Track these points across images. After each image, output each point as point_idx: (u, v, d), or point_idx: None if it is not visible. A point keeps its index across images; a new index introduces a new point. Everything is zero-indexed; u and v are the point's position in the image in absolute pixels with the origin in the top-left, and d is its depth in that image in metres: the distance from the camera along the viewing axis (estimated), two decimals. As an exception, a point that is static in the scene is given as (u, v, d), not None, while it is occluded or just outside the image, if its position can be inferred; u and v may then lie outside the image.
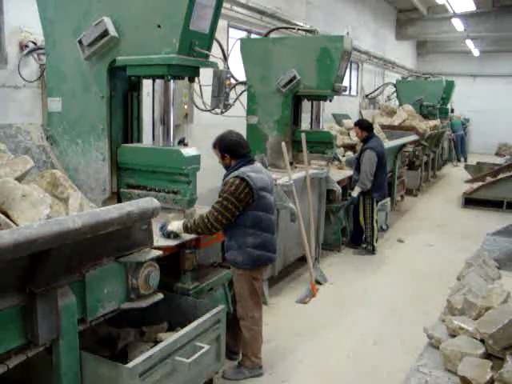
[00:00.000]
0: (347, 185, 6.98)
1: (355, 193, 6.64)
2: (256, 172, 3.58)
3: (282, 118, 6.59)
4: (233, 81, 6.79)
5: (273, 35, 7.12)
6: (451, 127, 17.14)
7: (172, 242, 3.44)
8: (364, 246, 6.97)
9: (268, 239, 3.68)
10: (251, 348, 3.81)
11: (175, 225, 3.46)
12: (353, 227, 7.21)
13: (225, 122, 6.21)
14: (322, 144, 6.69)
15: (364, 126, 6.95)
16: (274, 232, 3.80)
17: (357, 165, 6.74)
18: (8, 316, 2.26)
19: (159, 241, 3.32)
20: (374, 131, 9.11)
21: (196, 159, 3.69)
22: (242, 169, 3.54)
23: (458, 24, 15.34)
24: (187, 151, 3.68)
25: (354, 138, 8.78)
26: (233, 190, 3.42)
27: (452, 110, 17.06)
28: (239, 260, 3.61)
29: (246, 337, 3.77)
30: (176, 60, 3.47)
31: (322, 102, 6.78)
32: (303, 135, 5.99)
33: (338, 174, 6.97)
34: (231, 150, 3.62)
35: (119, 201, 3.95)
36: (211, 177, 4.83)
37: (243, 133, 6.77)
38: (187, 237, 3.53)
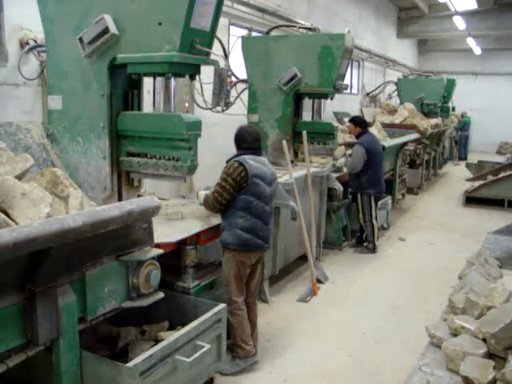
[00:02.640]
0: (347, 181, 6.95)
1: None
2: (256, 162, 3.79)
3: (283, 116, 6.57)
4: (234, 79, 6.79)
5: (274, 33, 7.11)
6: (462, 125, 17.23)
7: (173, 239, 3.44)
8: (365, 244, 6.96)
9: (258, 225, 3.81)
10: (239, 334, 3.83)
11: (202, 194, 3.93)
12: (358, 227, 7.18)
13: (226, 120, 6.19)
14: (323, 135, 6.67)
15: (357, 122, 6.97)
16: (268, 222, 3.93)
17: None
18: (8, 315, 2.25)
19: (159, 238, 3.30)
20: (375, 130, 9.11)
21: (197, 125, 3.65)
22: (244, 156, 3.79)
23: (459, 22, 15.30)
24: (188, 116, 3.67)
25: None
26: (231, 172, 3.68)
27: (453, 109, 17.08)
28: (229, 240, 3.77)
29: (233, 323, 3.80)
30: (177, 58, 3.45)
31: (323, 100, 6.76)
32: (304, 134, 5.98)
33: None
34: (237, 140, 3.94)
35: (120, 199, 3.94)
36: (213, 175, 4.82)
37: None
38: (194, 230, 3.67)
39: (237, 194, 3.71)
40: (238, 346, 3.85)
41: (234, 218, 3.73)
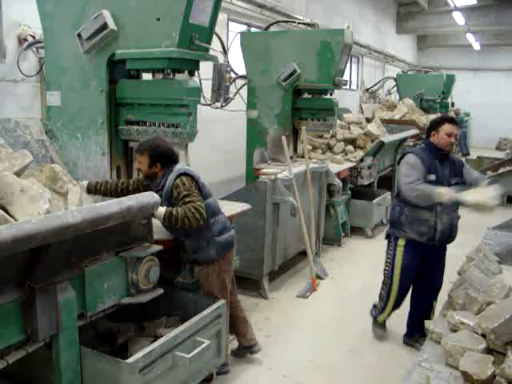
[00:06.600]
0: (347, 177, 6.92)
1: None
2: (185, 166, 3.45)
3: (282, 112, 6.56)
4: (233, 75, 6.77)
5: (273, 29, 7.09)
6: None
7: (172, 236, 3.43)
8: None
9: (223, 219, 3.55)
10: None
11: (159, 212, 3.10)
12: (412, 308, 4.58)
13: (225, 116, 6.18)
14: (323, 111, 6.59)
15: None
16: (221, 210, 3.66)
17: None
18: (7, 311, 2.25)
19: (159, 233, 3.29)
20: (375, 125, 9.04)
21: (196, 91, 3.64)
22: (175, 167, 3.35)
23: (458, 18, 15.26)
24: (188, 82, 3.64)
25: (354, 132, 8.70)
26: (187, 186, 3.22)
27: (452, 104, 17.08)
28: (213, 254, 3.46)
29: None
30: (176, 53, 3.44)
31: (322, 95, 6.75)
32: (304, 130, 5.98)
33: (339, 166, 6.94)
34: (166, 157, 3.36)
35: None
36: (212, 172, 4.84)
37: (243, 127, 6.77)
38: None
39: None
40: None
41: (208, 231, 3.40)
